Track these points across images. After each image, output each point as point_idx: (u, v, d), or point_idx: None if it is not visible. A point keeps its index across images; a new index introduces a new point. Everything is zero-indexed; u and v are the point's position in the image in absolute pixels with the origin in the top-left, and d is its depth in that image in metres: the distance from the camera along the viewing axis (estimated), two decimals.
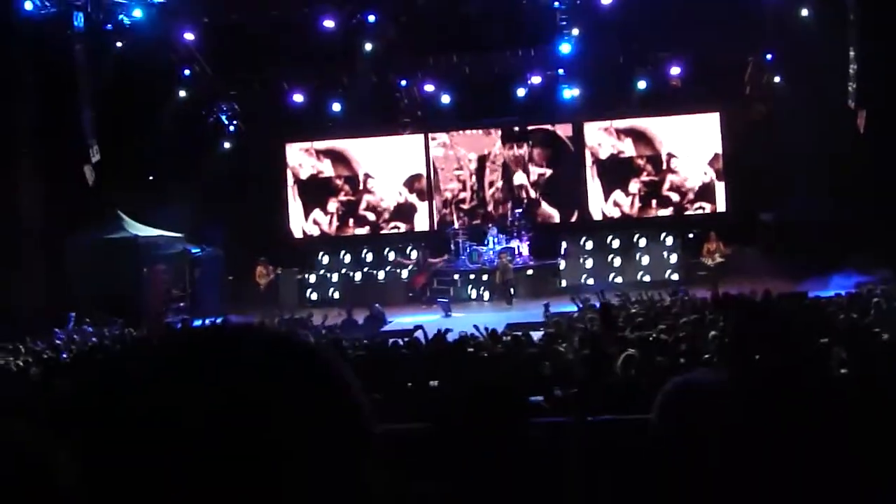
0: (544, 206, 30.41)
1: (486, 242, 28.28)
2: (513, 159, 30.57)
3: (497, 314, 22.56)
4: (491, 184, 30.73)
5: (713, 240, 25.24)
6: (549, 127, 30.35)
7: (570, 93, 28.48)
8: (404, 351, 13.52)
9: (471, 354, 12.46)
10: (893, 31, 20.98)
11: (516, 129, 30.47)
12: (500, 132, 30.69)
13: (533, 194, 30.48)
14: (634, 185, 29.93)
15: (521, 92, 28.69)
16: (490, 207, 30.68)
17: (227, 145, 29.68)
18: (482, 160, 30.75)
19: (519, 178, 30.53)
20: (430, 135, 30.65)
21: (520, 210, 29.30)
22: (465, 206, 30.72)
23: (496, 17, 25.55)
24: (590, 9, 25.21)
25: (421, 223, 30.57)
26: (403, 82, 28.89)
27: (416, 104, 29.50)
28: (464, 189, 30.85)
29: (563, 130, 30.28)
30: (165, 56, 26.46)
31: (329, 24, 25.53)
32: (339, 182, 31.09)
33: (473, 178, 30.79)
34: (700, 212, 29.51)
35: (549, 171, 30.42)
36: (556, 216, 30.38)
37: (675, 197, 29.76)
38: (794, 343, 10.22)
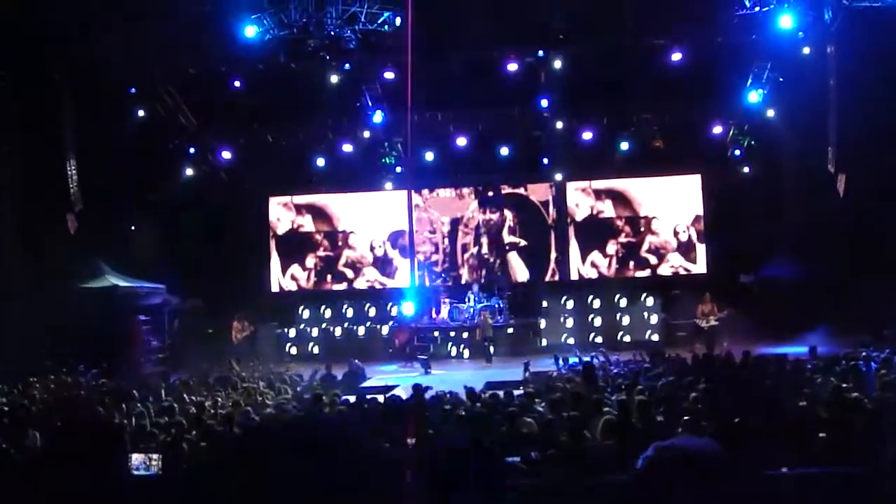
0: (516, 268, 30.40)
1: (466, 300, 28.23)
2: (486, 223, 30.60)
3: (476, 372, 22.45)
4: (464, 247, 30.75)
5: (708, 301, 25.21)
6: (521, 191, 30.46)
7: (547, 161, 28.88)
8: (383, 408, 13.41)
9: (447, 412, 12.37)
10: (872, 97, 21.19)
11: (490, 193, 30.55)
12: (473, 195, 30.74)
13: (502, 258, 30.57)
14: (612, 247, 29.99)
15: (504, 151, 28.75)
16: (462, 271, 30.65)
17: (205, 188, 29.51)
18: (455, 223, 30.80)
19: (482, 242, 30.66)
20: (426, 191, 30.73)
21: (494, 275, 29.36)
22: (438, 269, 30.70)
23: (480, 77, 25.64)
24: (577, 70, 25.35)
25: (402, 279, 30.50)
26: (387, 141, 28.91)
27: (400, 161, 29.58)
28: (436, 251, 30.85)
29: (541, 192, 30.35)
30: (152, 106, 26.42)
31: (334, 79, 25.45)
32: (318, 237, 31.07)
33: (446, 240, 30.81)
34: (680, 273, 29.54)
35: (522, 242, 30.45)
36: (527, 277, 30.33)
37: (653, 259, 29.82)
38: (773, 405, 10.20)
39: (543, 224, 30.38)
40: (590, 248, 30.04)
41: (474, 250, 30.66)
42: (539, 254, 30.34)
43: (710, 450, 2.66)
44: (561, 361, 19.97)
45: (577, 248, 30.12)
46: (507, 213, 30.59)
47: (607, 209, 30.10)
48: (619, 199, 30.07)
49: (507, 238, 30.55)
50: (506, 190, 30.61)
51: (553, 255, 30.30)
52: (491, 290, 28.59)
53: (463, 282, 30.11)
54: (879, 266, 22.76)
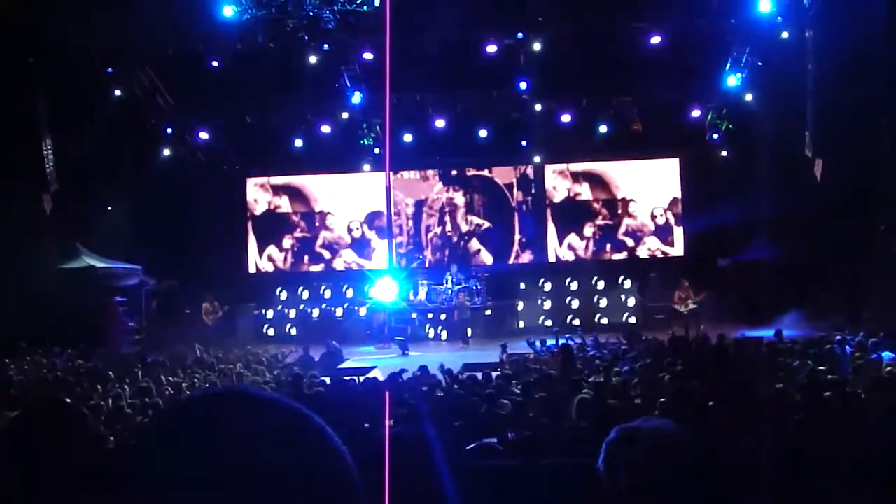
0: (476, 251, 30.50)
1: (444, 281, 28.28)
2: (449, 204, 30.64)
3: (454, 354, 22.52)
4: (428, 228, 30.77)
5: (685, 287, 25.33)
6: (486, 174, 30.49)
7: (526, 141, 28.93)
8: (361, 390, 13.45)
9: (426, 393, 12.43)
10: (850, 82, 21.30)
11: (454, 172, 30.56)
12: (437, 177, 30.77)
13: (459, 238, 30.62)
14: (589, 229, 30.09)
15: (482, 133, 28.77)
16: (426, 252, 30.68)
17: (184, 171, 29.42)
18: (419, 205, 30.83)
19: (446, 223, 30.70)
20: (391, 173, 30.68)
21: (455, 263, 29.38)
22: (402, 251, 30.73)
23: (459, 59, 25.62)
24: (556, 53, 25.36)
25: (379, 261, 30.50)
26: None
27: (378, 142, 29.53)
28: (400, 233, 30.89)
29: (506, 174, 30.46)
30: (130, 88, 26.29)
31: (313, 59, 25.36)
32: (295, 218, 31.01)
33: (410, 222, 30.84)
34: (657, 256, 29.68)
35: (486, 223, 30.52)
36: (488, 260, 30.41)
37: (630, 241, 29.95)
38: (749, 388, 10.28)
39: (508, 206, 30.45)
40: (567, 230, 30.14)
41: (438, 230, 30.67)
42: (502, 236, 30.42)
43: (676, 432, 2.71)
44: (538, 344, 20.07)
45: (554, 230, 30.19)
46: (471, 195, 30.62)
47: (585, 192, 30.19)
48: (597, 181, 30.16)
49: (471, 219, 30.57)
50: (470, 172, 30.62)
51: (517, 237, 30.39)
52: (468, 272, 28.65)
53: (427, 264, 30.11)
54: (855, 250, 22.93)
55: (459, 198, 30.57)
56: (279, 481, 1.20)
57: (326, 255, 30.81)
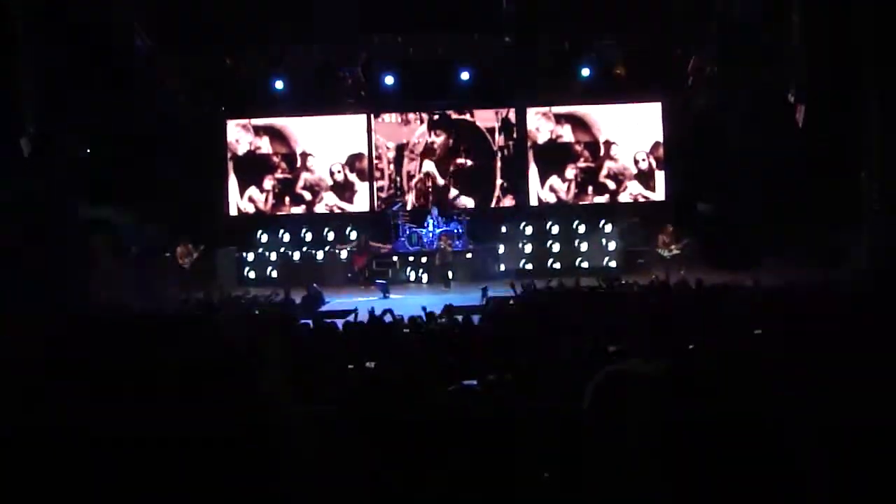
0: (457, 195, 30.45)
1: (425, 225, 28.28)
2: (430, 148, 30.51)
3: (435, 296, 22.58)
4: (409, 174, 30.66)
5: (669, 231, 25.40)
6: (467, 118, 30.35)
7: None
8: (341, 331, 13.47)
9: (406, 335, 12.46)
10: (835, 29, 21.24)
11: (436, 116, 30.40)
12: (419, 121, 30.56)
13: (441, 182, 30.48)
14: (571, 171, 30.03)
15: (464, 76, 28.63)
16: (408, 196, 30.59)
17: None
18: (400, 149, 30.64)
19: (427, 166, 30.52)
20: (372, 115, 30.51)
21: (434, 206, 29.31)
22: (384, 195, 30.62)
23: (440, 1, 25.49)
24: None
25: (361, 204, 30.42)
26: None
27: (360, 84, 29.33)
28: (381, 177, 30.78)
29: (487, 118, 30.32)
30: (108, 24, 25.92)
31: None
32: (276, 159, 30.78)
33: (391, 166, 30.70)
34: (639, 200, 29.70)
35: (468, 162, 30.41)
36: (469, 204, 30.31)
37: (611, 184, 29.92)
38: (727, 332, 10.35)
39: (489, 150, 30.35)
40: (549, 172, 30.06)
41: (419, 175, 30.59)
42: (484, 180, 30.34)
43: (662, 372, 2.72)
44: (520, 288, 20.12)
45: (536, 172, 30.13)
46: (453, 139, 30.48)
47: (566, 134, 30.08)
48: (579, 123, 30.06)
49: (454, 160, 30.50)
50: (452, 115, 30.49)
51: (498, 181, 30.32)
52: (450, 215, 28.65)
53: (409, 207, 30.07)
54: (833, 199, 23.01)
55: (441, 142, 30.39)
56: None
57: (307, 196, 30.67)
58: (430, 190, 30.33)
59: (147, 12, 26.23)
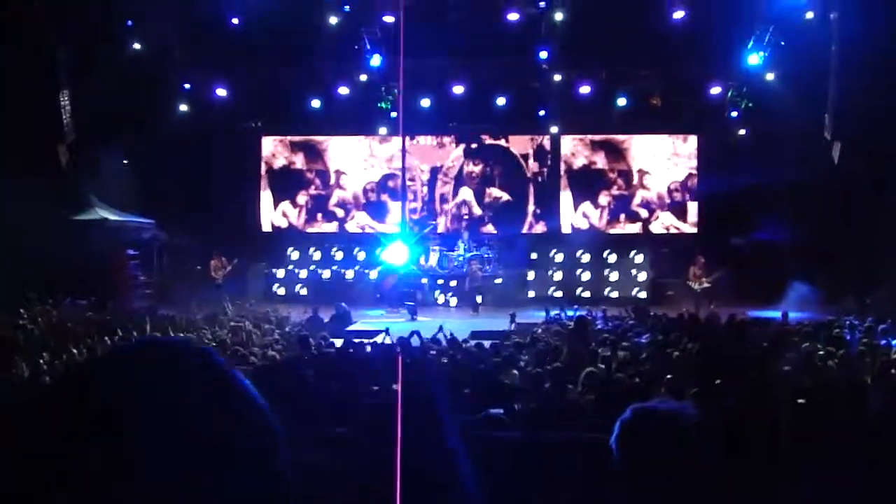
0: (489, 225, 30.45)
1: (456, 248, 28.30)
2: (468, 174, 30.59)
3: (463, 321, 22.60)
4: (443, 197, 30.73)
5: (701, 264, 25.29)
6: (502, 143, 30.41)
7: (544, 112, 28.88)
8: (369, 351, 13.54)
9: (432, 359, 12.51)
10: (872, 67, 21.19)
11: (474, 145, 30.45)
12: (454, 144, 30.62)
13: (477, 212, 30.51)
14: (604, 198, 30.03)
15: (501, 101, 28.68)
16: (441, 219, 30.63)
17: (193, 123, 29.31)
18: (435, 172, 30.72)
19: (464, 193, 30.58)
20: (407, 138, 30.60)
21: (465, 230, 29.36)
22: (415, 217, 30.67)
23: (480, 25, 25.54)
24: (578, 23, 25.25)
25: (392, 225, 30.49)
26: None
27: (395, 106, 29.47)
28: (414, 199, 30.85)
29: (522, 144, 30.38)
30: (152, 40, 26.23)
31: (333, 20, 25.37)
32: (310, 175, 31.00)
33: (425, 188, 30.78)
34: (671, 231, 29.60)
35: (504, 196, 30.46)
36: (502, 229, 30.27)
37: (643, 213, 29.87)
38: (758, 370, 10.31)
39: (522, 177, 30.39)
40: (582, 198, 30.06)
41: (453, 200, 30.62)
42: (517, 206, 30.35)
43: (689, 414, 2.74)
44: (553, 312, 20.12)
45: (569, 197, 30.12)
46: (487, 166, 30.54)
47: (601, 161, 30.07)
48: (614, 151, 30.05)
49: (490, 191, 30.53)
50: (487, 140, 30.54)
51: (531, 208, 30.33)
52: (481, 240, 28.67)
53: (440, 230, 30.12)
54: (868, 235, 22.91)
55: (476, 168, 30.45)
56: (185, 424, 1.18)
57: (340, 213, 30.81)
58: (466, 217, 30.37)
59: (188, 28, 26.44)
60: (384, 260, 27.50)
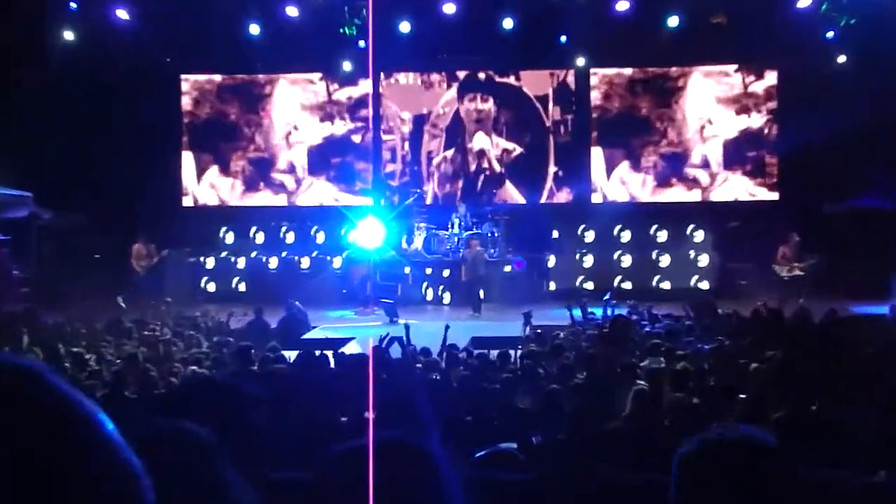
0: (508, 185, 30.42)
1: (449, 225, 28.20)
2: (473, 117, 30.49)
3: (461, 323, 22.60)
4: (429, 155, 30.71)
5: (795, 243, 25.25)
6: (511, 81, 30.34)
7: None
8: (333, 367, 13.51)
9: (419, 375, 12.49)
10: None
11: (482, 75, 30.37)
12: (444, 83, 30.59)
13: (497, 168, 30.46)
14: (649, 158, 29.96)
15: (508, 24, 28.53)
16: (429, 185, 30.69)
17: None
18: (419, 122, 30.73)
19: (480, 140, 30.50)
20: (382, 76, 30.50)
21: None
22: (394, 183, 30.69)
23: None
24: None
25: (362, 195, 30.36)
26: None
27: (364, 33, 29.24)
28: (392, 159, 30.85)
29: (539, 82, 30.34)
30: None
31: None
32: (248, 131, 30.94)
33: (406, 144, 30.80)
34: (742, 199, 29.53)
35: (516, 148, 30.42)
36: (520, 199, 30.40)
37: (704, 177, 29.80)
38: (868, 388, 10.26)
39: (540, 127, 30.38)
40: (619, 157, 30.03)
41: (445, 155, 30.59)
42: (532, 167, 30.41)
43: (770, 446, 2.71)
44: (578, 312, 20.08)
45: (601, 158, 30.06)
46: (492, 109, 30.51)
47: (644, 106, 30.03)
48: (662, 92, 30.01)
49: (496, 141, 30.52)
50: (489, 77, 30.55)
51: (551, 168, 30.32)
52: (483, 214, 28.55)
53: (427, 200, 30.08)
54: None
55: (483, 105, 30.35)
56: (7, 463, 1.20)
57: (290, 183, 30.77)
58: (487, 171, 30.30)
59: None
60: (352, 243, 27.44)
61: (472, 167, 30.45)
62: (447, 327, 16.20)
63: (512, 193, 30.32)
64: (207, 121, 31.08)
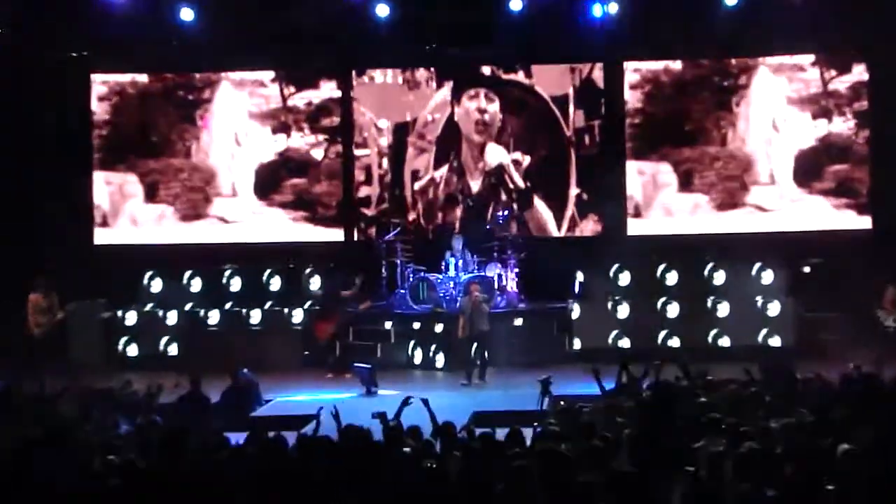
0: (538, 206, 30.39)
1: (444, 266, 28.18)
2: (474, 121, 30.48)
3: (458, 394, 22.57)
4: (417, 174, 30.78)
5: None
6: (520, 79, 30.39)
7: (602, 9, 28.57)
8: (293, 454, 13.44)
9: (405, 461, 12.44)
10: None
11: (485, 70, 30.43)
12: (433, 81, 30.67)
13: (521, 183, 30.42)
14: (703, 176, 29.94)
15: (515, 4, 28.58)
16: (415, 214, 30.79)
17: None
18: (401, 132, 30.80)
19: (494, 153, 30.47)
20: (353, 74, 30.54)
21: (505, 212, 29.24)
22: (369, 212, 30.72)
23: None
24: None
25: (331, 229, 30.38)
26: None
27: (329, 20, 29.25)
28: (366, 181, 30.85)
29: (555, 80, 30.44)
30: None
31: None
32: (180, 145, 30.92)
33: (384, 161, 30.86)
34: (827, 228, 29.46)
35: (526, 159, 30.42)
36: (552, 228, 30.44)
37: (773, 199, 29.77)
38: None
39: (557, 137, 30.42)
40: (662, 176, 30.01)
41: (434, 175, 30.69)
42: (551, 189, 30.46)
43: None
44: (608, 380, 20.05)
45: (636, 177, 30.05)
46: (499, 113, 30.54)
47: (697, 109, 30.02)
48: (719, 90, 29.99)
49: (494, 151, 30.58)
50: (491, 72, 30.66)
51: (572, 191, 30.37)
52: (486, 250, 28.53)
53: (408, 231, 30.01)
54: None
55: (477, 114, 30.33)
56: None
57: (235, 212, 30.75)
58: (505, 195, 30.36)
59: None
60: (316, 290, 27.44)
61: (477, 187, 30.38)
62: (425, 401, 15.97)
63: (543, 215, 30.27)
64: (128, 133, 31.00)
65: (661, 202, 30.04)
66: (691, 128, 30.09)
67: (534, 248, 29.27)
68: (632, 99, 30.21)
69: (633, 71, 30.20)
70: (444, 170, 30.51)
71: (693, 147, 30.06)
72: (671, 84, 30.13)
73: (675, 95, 30.11)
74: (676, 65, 30.10)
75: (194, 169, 30.97)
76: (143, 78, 31.04)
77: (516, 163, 30.37)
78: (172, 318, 28.60)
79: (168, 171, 30.99)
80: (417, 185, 30.64)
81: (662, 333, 27.46)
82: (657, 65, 30.11)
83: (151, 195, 30.93)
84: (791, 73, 29.78)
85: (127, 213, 31.01)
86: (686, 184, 30.02)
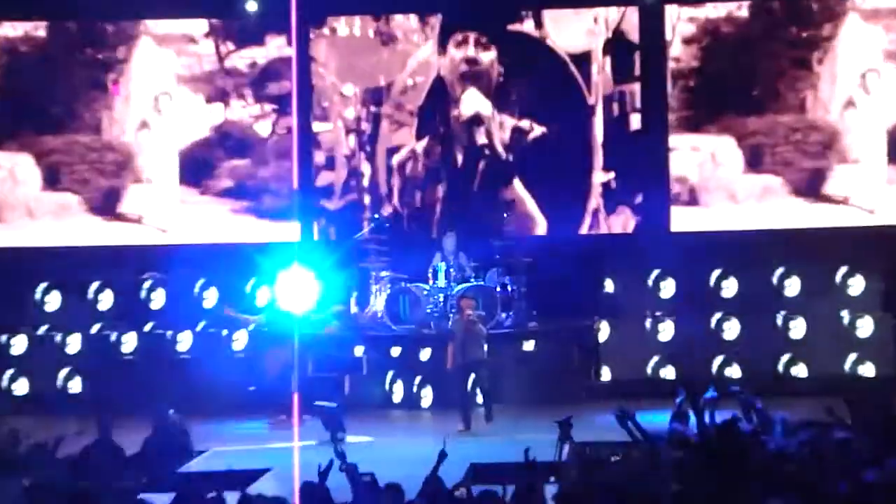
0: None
1: (430, 273, 28.07)
2: (460, 71, 30.40)
3: (450, 442, 22.49)
4: (391, 152, 30.74)
5: None
6: (529, 30, 30.35)
7: None
8: None
9: None
10: None
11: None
12: (418, 34, 30.64)
13: (501, 152, 30.36)
14: (774, 153, 29.83)
15: None
16: (390, 204, 30.75)
17: None
18: (376, 98, 30.80)
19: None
20: (309, 26, 30.46)
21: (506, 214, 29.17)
22: (333, 205, 30.67)
23: None
24: None
25: (284, 226, 30.30)
26: None
27: None
28: (330, 165, 30.87)
29: (576, 30, 30.29)
30: None
31: None
32: (88, 116, 30.94)
33: (352, 139, 30.83)
34: None
35: (537, 128, 30.21)
36: (538, 219, 30.36)
37: (864, 184, 29.67)
38: None
39: (577, 105, 30.38)
40: (720, 153, 29.89)
41: (415, 147, 30.63)
42: (565, 172, 30.38)
43: None
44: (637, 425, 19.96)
45: (687, 154, 29.94)
46: (499, 69, 30.47)
47: (766, 66, 29.95)
48: (795, 45, 29.93)
49: (502, 121, 30.45)
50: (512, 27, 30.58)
51: (597, 175, 30.28)
52: (486, 252, 28.43)
53: (386, 224, 29.83)
54: None
55: (463, 64, 30.25)
56: None
57: (157, 204, 30.67)
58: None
59: None
60: (265, 306, 27.37)
61: (461, 157, 30.23)
62: (443, 454, 15.79)
63: (530, 208, 30.18)
64: (20, 102, 30.94)
65: (717, 188, 29.86)
66: (757, 91, 29.93)
67: (546, 250, 29.07)
68: (682, 55, 29.98)
69: (686, 20, 29.94)
70: (425, 141, 30.27)
71: (759, 115, 29.87)
72: (731, 34, 30.00)
73: (736, 50, 29.99)
74: (739, 9, 29.89)
75: (107, 148, 30.87)
76: (40, 32, 30.86)
77: (518, 130, 30.05)
78: (75, 343, 28.54)
79: (73, 150, 30.85)
80: (395, 160, 30.38)
81: (718, 360, 27.42)
82: (712, 9, 29.90)
83: (52, 181, 30.78)
84: (890, 21, 29.69)
85: (20, 205, 30.86)
86: (752, 162, 29.81)
